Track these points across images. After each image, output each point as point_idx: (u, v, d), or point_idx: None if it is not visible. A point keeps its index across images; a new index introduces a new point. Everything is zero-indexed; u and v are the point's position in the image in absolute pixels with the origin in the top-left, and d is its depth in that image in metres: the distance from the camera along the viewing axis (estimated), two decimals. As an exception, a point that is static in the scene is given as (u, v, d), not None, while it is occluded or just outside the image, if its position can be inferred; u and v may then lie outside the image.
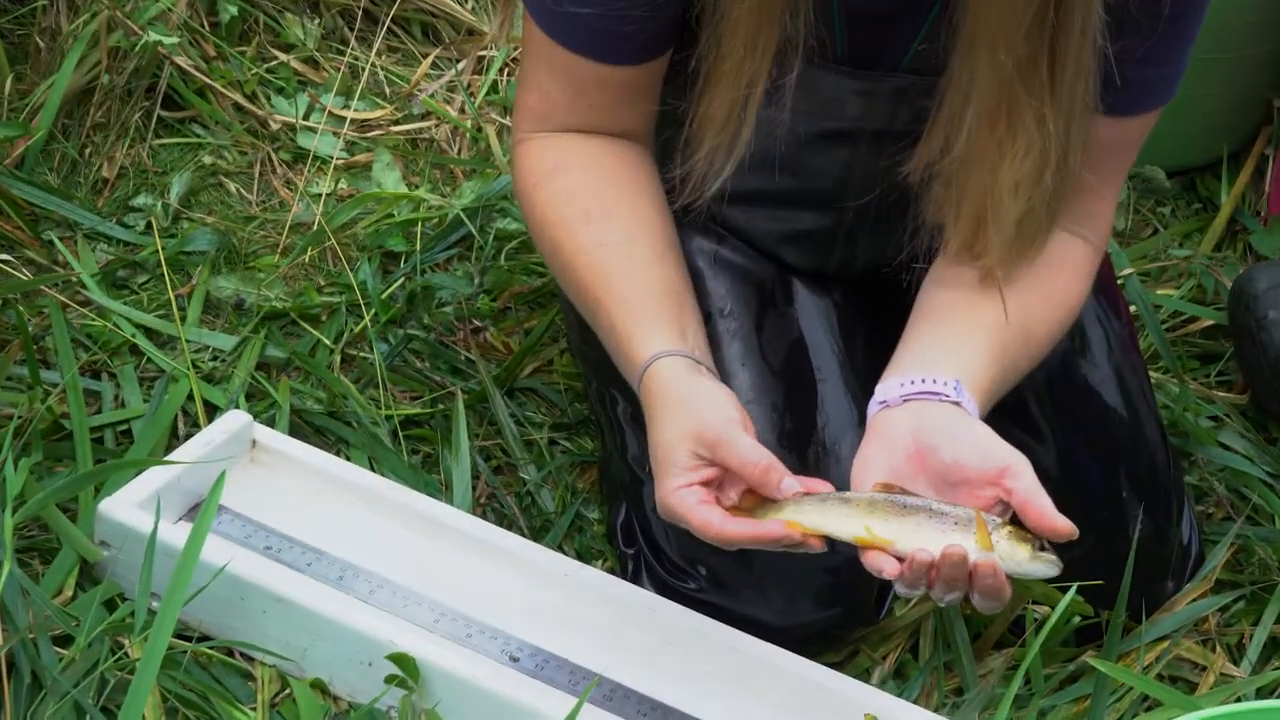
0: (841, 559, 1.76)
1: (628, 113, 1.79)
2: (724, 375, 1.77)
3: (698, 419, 1.60)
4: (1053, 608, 1.75)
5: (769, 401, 1.83)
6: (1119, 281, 2.20)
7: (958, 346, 1.71)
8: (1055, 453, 1.89)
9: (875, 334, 1.88)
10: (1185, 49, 1.74)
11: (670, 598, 1.83)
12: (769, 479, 1.57)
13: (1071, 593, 1.70)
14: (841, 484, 1.63)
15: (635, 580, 1.88)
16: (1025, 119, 1.61)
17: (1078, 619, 1.85)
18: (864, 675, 1.85)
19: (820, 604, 1.82)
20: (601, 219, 1.75)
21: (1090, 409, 1.94)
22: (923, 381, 1.66)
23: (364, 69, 2.70)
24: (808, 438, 1.84)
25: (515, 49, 2.70)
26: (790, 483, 1.57)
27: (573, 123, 1.79)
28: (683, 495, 1.59)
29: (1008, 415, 1.79)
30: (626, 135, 1.80)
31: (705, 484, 1.60)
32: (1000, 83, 1.59)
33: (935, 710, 1.80)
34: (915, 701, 1.80)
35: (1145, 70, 1.71)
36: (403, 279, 2.33)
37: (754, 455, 1.58)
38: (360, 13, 2.76)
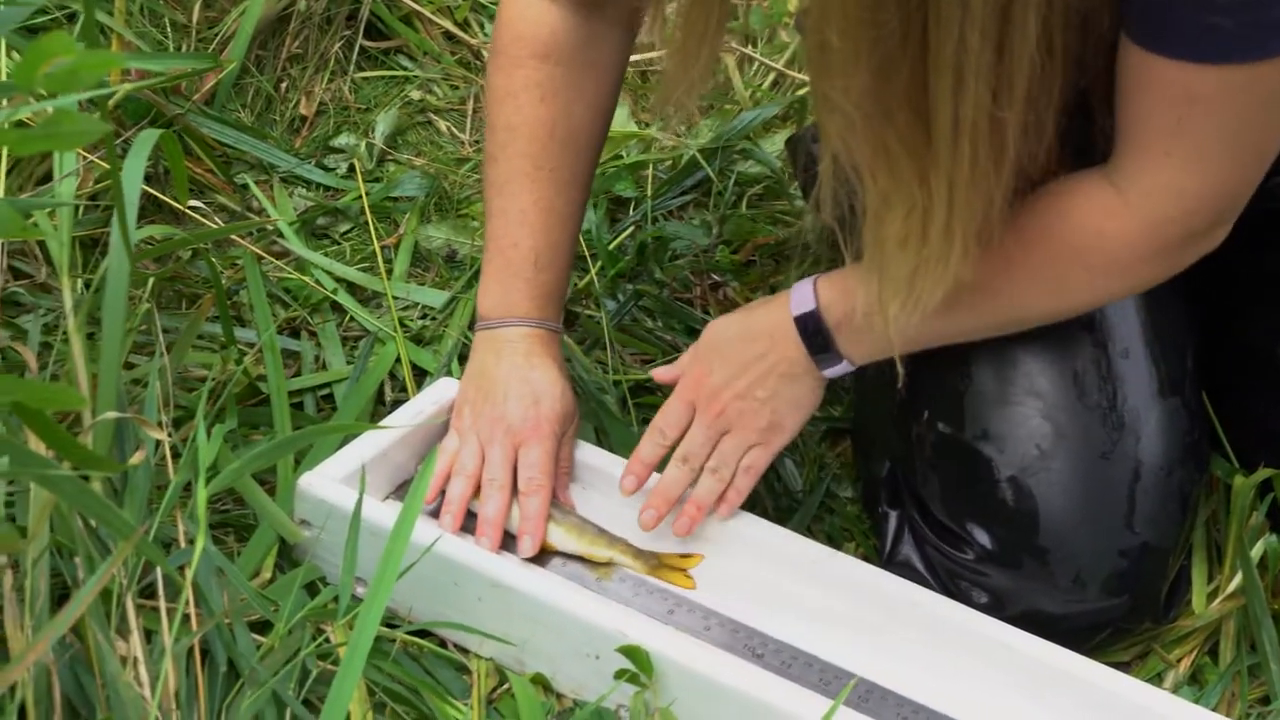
0: (1138, 541, 1.76)
1: None
2: None
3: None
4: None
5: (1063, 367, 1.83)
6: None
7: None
8: None
9: (1186, 287, 1.85)
10: None
11: (940, 571, 1.85)
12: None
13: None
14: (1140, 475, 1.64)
15: (896, 546, 1.90)
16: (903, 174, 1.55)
17: None
18: (1155, 679, 1.86)
19: (1107, 590, 1.81)
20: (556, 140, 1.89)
21: None
22: None
23: (588, -9, 2.72)
24: (1102, 411, 1.82)
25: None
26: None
27: None
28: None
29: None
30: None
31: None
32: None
33: (1237, 721, 1.79)
34: (1214, 709, 1.79)
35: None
36: (632, 228, 2.36)
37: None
38: (584, -72, 2.79)
